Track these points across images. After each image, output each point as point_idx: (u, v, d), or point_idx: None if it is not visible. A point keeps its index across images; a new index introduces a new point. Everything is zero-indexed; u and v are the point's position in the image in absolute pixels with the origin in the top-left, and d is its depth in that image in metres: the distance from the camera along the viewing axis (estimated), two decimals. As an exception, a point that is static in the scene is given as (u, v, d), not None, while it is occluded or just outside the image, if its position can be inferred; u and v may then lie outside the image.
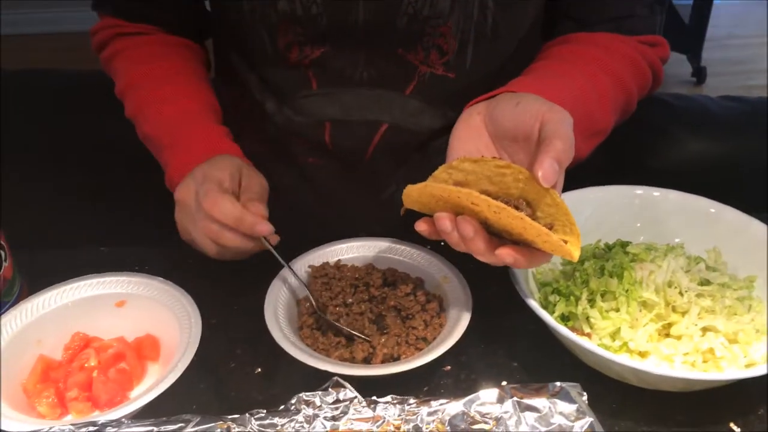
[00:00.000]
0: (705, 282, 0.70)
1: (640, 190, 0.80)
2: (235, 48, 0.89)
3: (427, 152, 0.87)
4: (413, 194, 0.65)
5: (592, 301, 0.68)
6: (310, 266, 0.75)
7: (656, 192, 0.80)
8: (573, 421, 0.55)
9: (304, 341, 0.68)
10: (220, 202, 0.69)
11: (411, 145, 0.86)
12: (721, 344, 0.64)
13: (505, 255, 0.61)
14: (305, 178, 0.90)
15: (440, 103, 0.84)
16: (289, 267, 0.72)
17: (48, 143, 1.12)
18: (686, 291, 0.68)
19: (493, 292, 0.72)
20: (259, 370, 0.69)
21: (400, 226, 0.73)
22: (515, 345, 0.72)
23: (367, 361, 0.66)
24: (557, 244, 0.59)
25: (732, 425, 0.63)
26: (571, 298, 0.69)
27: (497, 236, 0.64)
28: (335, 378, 0.60)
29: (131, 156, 0.92)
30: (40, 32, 3.51)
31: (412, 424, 0.56)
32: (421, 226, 0.65)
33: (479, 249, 0.62)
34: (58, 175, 1.13)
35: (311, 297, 0.71)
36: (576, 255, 0.59)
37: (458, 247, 0.64)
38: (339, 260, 0.76)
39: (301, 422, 0.56)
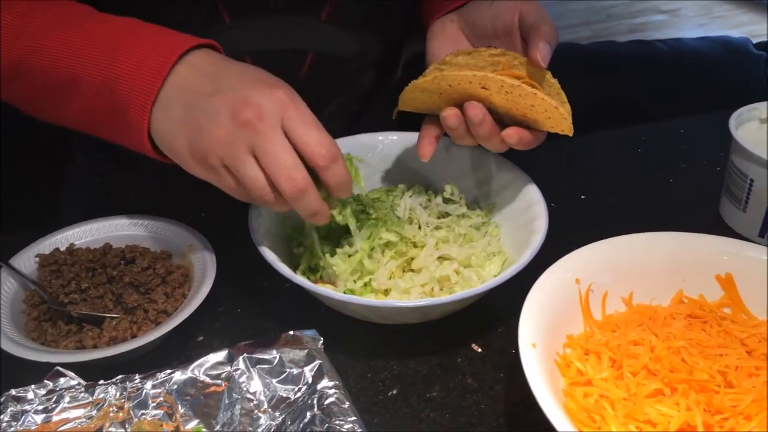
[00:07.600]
0: (444, 215, 0.72)
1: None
2: None
3: (353, 78, 0.86)
4: (416, 90, 0.64)
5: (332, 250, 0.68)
6: (38, 255, 0.68)
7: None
8: (303, 367, 0.54)
9: (30, 335, 0.62)
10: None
11: (338, 72, 0.83)
12: (454, 270, 0.66)
13: (513, 134, 0.63)
14: None
15: (358, 25, 0.81)
16: (8, 265, 0.66)
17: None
18: (425, 225, 0.70)
19: (240, 254, 0.69)
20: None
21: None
22: (269, 304, 0.70)
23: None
24: (561, 117, 0.61)
25: (474, 346, 0.66)
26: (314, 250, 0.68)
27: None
28: (55, 368, 0.55)
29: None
30: None
31: (136, 401, 0.52)
32: (451, 120, 0.64)
33: (487, 132, 0.63)
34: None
35: (38, 287, 0.65)
36: (572, 129, 0.62)
37: (462, 140, 0.65)
38: (72, 244, 0.70)
39: (8, 421, 0.51)
